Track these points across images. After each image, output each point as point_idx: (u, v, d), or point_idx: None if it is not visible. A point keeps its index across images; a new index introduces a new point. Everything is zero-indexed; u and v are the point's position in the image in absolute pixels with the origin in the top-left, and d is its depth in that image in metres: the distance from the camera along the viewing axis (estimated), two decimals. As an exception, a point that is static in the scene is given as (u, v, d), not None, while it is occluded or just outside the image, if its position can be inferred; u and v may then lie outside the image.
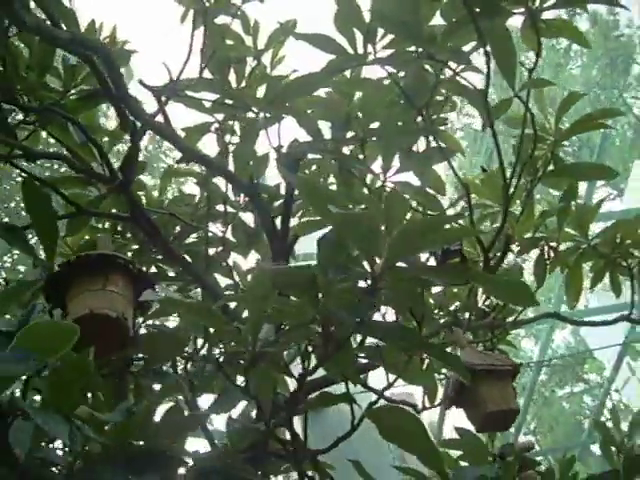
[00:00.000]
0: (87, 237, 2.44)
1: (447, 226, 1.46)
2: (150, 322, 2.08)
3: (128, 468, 1.08)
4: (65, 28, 1.80)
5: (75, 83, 2.06)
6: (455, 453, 2.16)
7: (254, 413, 2.15)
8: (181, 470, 1.46)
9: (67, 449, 1.17)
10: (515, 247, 2.59)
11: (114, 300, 1.58)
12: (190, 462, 1.39)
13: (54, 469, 1.10)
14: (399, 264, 1.40)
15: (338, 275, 1.36)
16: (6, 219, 7.08)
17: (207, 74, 2.19)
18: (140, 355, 2.00)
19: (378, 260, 1.40)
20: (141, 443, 1.18)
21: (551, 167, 2.46)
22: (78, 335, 0.92)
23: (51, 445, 1.13)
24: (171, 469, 1.25)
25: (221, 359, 1.63)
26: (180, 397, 1.99)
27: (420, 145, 2.40)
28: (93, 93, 2.04)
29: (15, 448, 0.92)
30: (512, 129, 2.47)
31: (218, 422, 1.91)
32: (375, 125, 2.32)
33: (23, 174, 2.11)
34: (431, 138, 2.33)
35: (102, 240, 1.86)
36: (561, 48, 13.60)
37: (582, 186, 6.49)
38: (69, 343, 0.92)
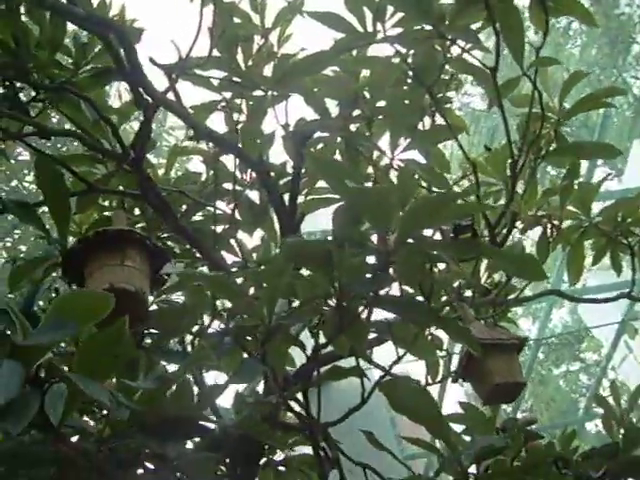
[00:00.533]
0: (95, 215, 2.47)
1: (457, 202, 1.49)
2: (159, 299, 2.12)
3: (155, 435, 1.12)
4: (78, 6, 1.81)
5: (86, 61, 2.08)
6: (458, 429, 2.20)
7: (260, 388, 2.20)
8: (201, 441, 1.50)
9: (90, 417, 1.20)
10: (519, 224, 2.62)
11: (132, 275, 1.61)
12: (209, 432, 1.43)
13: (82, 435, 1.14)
14: (410, 239, 1.43)
15: (352, 249, 1.39)
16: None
17: (215, 52, 2.20)
18: (151, 331, 2.03)
19: (391, 235, 1.43)
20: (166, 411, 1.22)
21: (554, 146, 2.49)
22: (112, 304, 0.95)
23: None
24: (193, 437, 1.28)
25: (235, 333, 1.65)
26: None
27: (425, 123, 2.43)
28: (104, 71, 2.05)
29: (49, 414, 0.95)
30: (515, 108, 2.49)
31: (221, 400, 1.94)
32: (382, 103, 2.34)
33: (28, 153, 2.13)
34: (436, 116, 2.35)
35: (117, 216, 1.89)
36: (560, 27, 13.55)
37: (583, 165, 6.52)
38: (103, 312, 0.95)
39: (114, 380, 1.32)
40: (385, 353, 1.94)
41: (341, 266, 1.38)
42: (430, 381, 2.80)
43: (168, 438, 1.16)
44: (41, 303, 3.34)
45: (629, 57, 13.06)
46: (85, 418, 1.56)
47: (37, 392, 0.93)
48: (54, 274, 2.24)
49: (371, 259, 1.50)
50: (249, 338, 1.66)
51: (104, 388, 0.95)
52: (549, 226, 2.76)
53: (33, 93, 2.08)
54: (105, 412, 1.08)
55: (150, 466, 1.19)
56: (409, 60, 2.04)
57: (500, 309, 2.75)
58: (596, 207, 2.84)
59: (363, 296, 1.42)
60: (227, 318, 1.69)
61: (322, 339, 1.63)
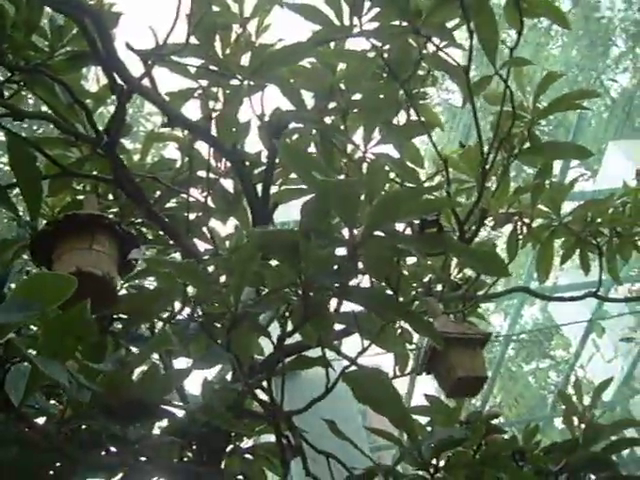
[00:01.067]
0: (68, 199, 2.46)
1: (425, 197, 1.51)
2: (128, 284, 2.12)
3: (117, 417, 1.13)
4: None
5: (62, 44, 2.06)
6: (424, 420, 2.24)
7: (228, 377, 2.21)
8: (161, 424, 1.51)
9: (57, 400, 1.21)
10: (489, 222, 2.65)
11: (100, 259, 1.61)
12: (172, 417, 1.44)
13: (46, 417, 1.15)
14: (377, 232, 1.45)
15: (319, 241, 1.41)
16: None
17: (193, 40, 2.20)
18: (120, 316, 2.03)
19: (357, 228, 1.45)
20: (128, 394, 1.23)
21: (527, 145, 2.52)
22: (75, 286, 0.96)
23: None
24: (156, 421, 1.29)
25: (201, 320, 1.67)
26: (156, 359, 2.04)
27: (401, 118, 2.45)
28: (80, 55, 2.05)
29: (10, 395, 0.96)
30: (491, 106, 2.52)
31: (191, 387, 1.96)
32: (357, 97, 2.36)
33: (5, 133, 2.12)
34: (412, 112, 2.37)
35: (88, 200, 1.89)
36: (542, 27, 13.63)
37: (556, 165, 6.58)
38: (67, 293, 0.95)
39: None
40: (357, 345, 1.96)
41: (307, 257, 1.40)
42: (398, 373, 2.84)
43: (130, 421, 1.17)
44: (13, 285, 3.33)
45: (608, 60, 13.19)
46: (52, 401, 1.57)
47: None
48: (25, 256, 2.24)
49: (340, 251, 1.52)
50: (218, 325, 1.67)
51: (64, 369, 0.96)
52: (519, 224, 2.80)
53: (8, 74, 2.07)
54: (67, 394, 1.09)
55: (112, 449, 1.20)
56: (385, 55, 2.06)
57: (470, 304, 2.79)
58: (569, 207, 2.89)
59: (329, 287, 1.44)
60: (194, 305, 1.70)
61: (290, 328, 1.65)
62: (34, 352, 1.04)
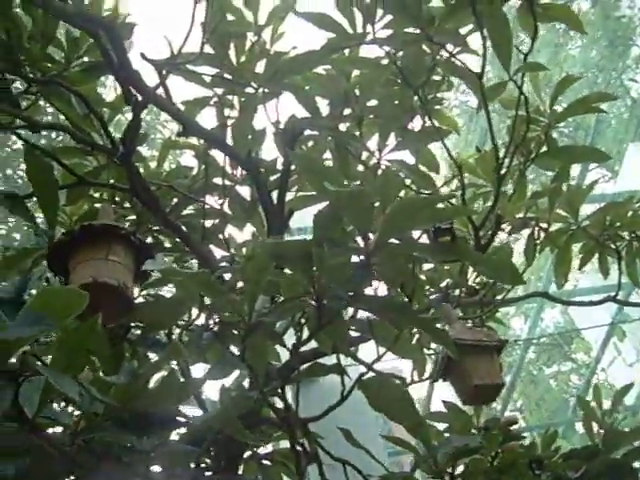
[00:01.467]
0: (85, 207, 2.49)
1: (439, 205, 1.51)
2: (146, 292, 2.14)
3: (130, 429, 1.14)
4: (70, 2, 1.82)
5: (78, 55, 2.09)
6: (442, 426, 2.23)
7: (246, 383, 2.22)
8: (176, 434, 1.52)
9: (71, 410, 1.22)
10: (506, 227, 2.64)
11: (116, 269, 1.63)
12: (189, 425, 1.45)
13: (61, 428, 1.16)
14: (392, 240, 1.45)
15: (333, 250, 1.41)
16: (2, 187, 7.09)
17: (208, 49, 2.21)
18: (137, 323, 2.05)
19: (372, 236, 1.45)
20: (141, 405, 1.23)
21: (544, 149, 2.51)
22: (87, 301, 0.97)
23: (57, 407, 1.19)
24: (170, 430, 1.30)
25: (216, 328, 1.68)
26: (174, 365, 2.05)
27: (416, 124, 2.45)
28: (95, 65, 2.07)
29: (25, 406, 0.97)
30: (508, 110, 2.51)
31: (210, 392, 1.97)
32: (372, 103, 2.36)
33: (23, 143, 2.14)
34: (427, 117, 2.37)
35: (104, 210, 1.90)
36: (560, 28, 13.55)
37: (576, 167, 6.54)
38: (79, 308, 0.96)
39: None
40: (376, 349, 1.95)
41: (321, 266, 1.41)
42: (416, 379, 2.83)
43: (144, 432, 1.18)
44: (33, 292, 3.36)
45: (628, 60, 13.06)
46: (71, 409, 1.59)
47: (11, 385, 0.95)
48: (44, 264, 2.26)
49: (355, 259, 1.52)
50: (235, 332, 1.68)
51: (75, 383, 0.97)
52: (537, 228, 2.78)
53: (25, 86, 2.09)
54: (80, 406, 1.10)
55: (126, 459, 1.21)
56: (398, 62, 2.06)
57: (488, 309, 2.77)
58: (590, 209, 2.87)
59: (342, 296, 1.44)
60: (209, 314, 1.71)
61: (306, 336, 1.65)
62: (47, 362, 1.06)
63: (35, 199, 2.00)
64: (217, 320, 1.72)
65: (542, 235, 2.77)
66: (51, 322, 0.92)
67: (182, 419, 1.44)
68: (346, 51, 2.29)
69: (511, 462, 1.73)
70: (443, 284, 2.82)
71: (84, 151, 2.32)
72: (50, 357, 1.04)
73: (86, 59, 2.12)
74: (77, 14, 1.66)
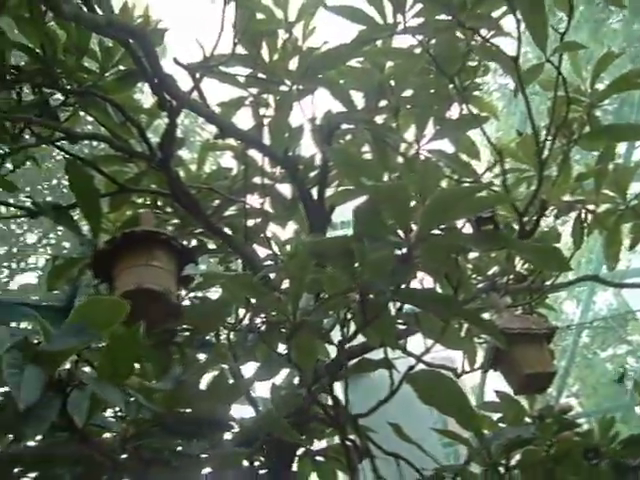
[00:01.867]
0: (129, 213, 2.52)
1: (480, 194, 1.48)
2: (193, 294, 2.16)
3: (178, 433, 1.15)
4: (99, 11, 1.84)
5: (112, 64, 2.11)
6: (496, 416, 2.20)
7: (296, 380, 2.22)
8: (228, 434, 1.53)
9: (120, 417, 1.24)
10: (551, 211, 2.59)
11: (158, 275, 1.64)
12: (236, 427, 1.46)
13: (110, 435, 1.17)
14: (433, 232, 1.43)
15: (374, 244, 1.40)
16: (49, 197, 7.23)
17: (239, 49, 2.21)
18: (184, 326, 2.07)
19: (413, 228, 1.43)
20: (189, 410, 1.25)
21: (588, 129, 2.45)
22: (128, 310, 0.98)
23: (106, 414, 1.21)
24: (219, 434, 1.31)
25: (263, 328, 1.68)
26: (224, 366, 2.06)
27: (454, 112, 2.42)
28: (130, 73, 2.09)
29: (74, 415, 0.99)
30: (548, 91, 2.46)
31: (261, 390, 1.98)
32: (408, 93, 2.34)
33: (65, 154, 2.18)
34: (464, 104, 2.33)
35: (145, 216, 1.92)
36: (600, 2, 13.23)
37: (622, 145, 6.39)
38: (120, 317, 0.97)
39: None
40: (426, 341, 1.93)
41: (362, 261, 1.40)
42: (467, 369, 2.79)
43: (193, 435, 1.19)
44: (82, 299, 3.43)
45: (672, 31, 12.70)
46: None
47: (58, 396, 0.97)
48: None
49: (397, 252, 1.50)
50: (281, 331, 1.68)
51: (120, 392, 0.98)
52: (584, 211, 2.72)
53: (63, 98, 2.13)
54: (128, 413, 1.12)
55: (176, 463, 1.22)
56: (432, 50, 2.03)
57: (537, 296, 2.72)
58: (638, 188, 2.79)
59: (385, 290, 1.43)
60: (254, 314, 1.72)
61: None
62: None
63: (79, 209, 2.03)
64: (263, 320, 1.72)
65: (590, 217, 2.71)
66: (94, 332, 0.93)
67: (233, 420, 1.44)
68: (378, 42, 2.26)
69: (566, 452, 1.70)
70: (490, 272, 2.78)
71: (124, 159, 2.34)
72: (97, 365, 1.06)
73: (120, 67, 2.14)
74: (108, 24, 1.68)
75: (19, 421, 0.87)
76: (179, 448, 1.19)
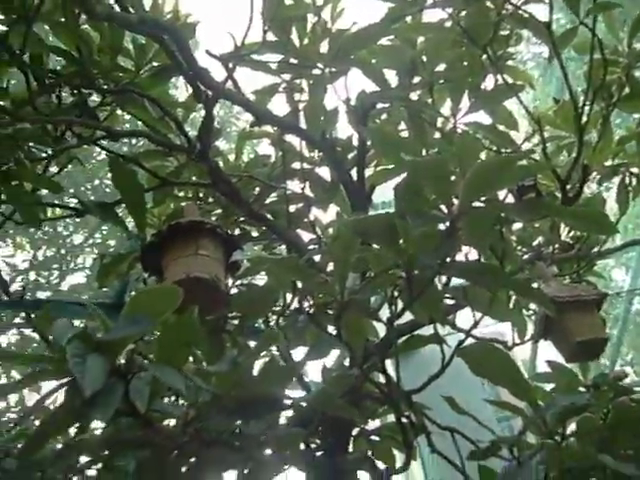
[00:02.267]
0: (172, 206, 2.56)
1: (520, 163, 1.47)
2: (240, 282, 2.19)
3: (237, 415, 1.18)
4: (131, 9, 1.87)
5: (146, 61, 2.14)
6: (549, 387, 2.18)
7: (347, 361, 2.24)
8: (283, 417, 1.55)
9: (179, 402, 1.27)
10: (594, 177, 2.56)
11: (206, 263, 1.67)
12: (291, 409, 1.48)
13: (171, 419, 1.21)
14: (475, 204, 1.43)
15: (417, 220, 1.40)
16: (92, 197, 7.38)
17: (269, 36, 2.23)
18: (234, 314, 2.10)
19: (455, 201, 1.43)
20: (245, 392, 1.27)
21: (627, 91, 2.41)
22: (181, 297, 1.00)
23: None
24: (275, 414, 1.33)
25: (311, 311, 1.70)
26: (274, 350, 2.09)
27: (489, 83, 2.40)
28: (164, 69, 2.12)
29: (136, 402, 1.02)
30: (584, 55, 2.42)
31: (312, 375, 2.00)
32: (441, 68, 2.32)
33: (106, 153, 2.23)
34: (499, 75, 2.31)
35: (189, 208, 1.95)
36: (633, -39, 12.88)
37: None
38: (173, 305, 1.00)
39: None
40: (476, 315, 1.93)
41: (406, 238, 1.40)
42: (518, 341, 2.78)
43: (250, 417, 1.21)
44: (133, 294, 3.50)
45: None
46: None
47: (121, 382, 1.00)
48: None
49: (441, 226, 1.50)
50: (330, 312, 1.70)
51: (179, 375, 1.01)
52: (627, 175, 2.68)
53: (101, 98, 2.17)
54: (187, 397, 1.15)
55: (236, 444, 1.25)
56: (462, 22, 2.01)
57: (584, 263, 2.70)
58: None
59: (430, 265, 1.43)
60: (302, 297, 1.73)
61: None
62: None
63: (124, 205, 2.08)
64: (311, 302, 1.74)
65: (634, 181, 2.67)
66: (149, 321, 0.96)
67: (287, 402, 1.47)
68: (408, 19, 2.25)
69: (623, 418, 1.68)
70: (535, 243, 2.75)
71: (164, 153, 2.38)
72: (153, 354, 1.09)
73: (154, 64, 2.17)
74: (141, 22, 1.70)
75: (85, 408, 0.91)
76: (238, 430, 1.22)
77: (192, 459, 1.19)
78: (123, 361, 1.03)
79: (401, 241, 1.44)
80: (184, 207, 2.03)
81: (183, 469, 1.19)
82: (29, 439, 1.09)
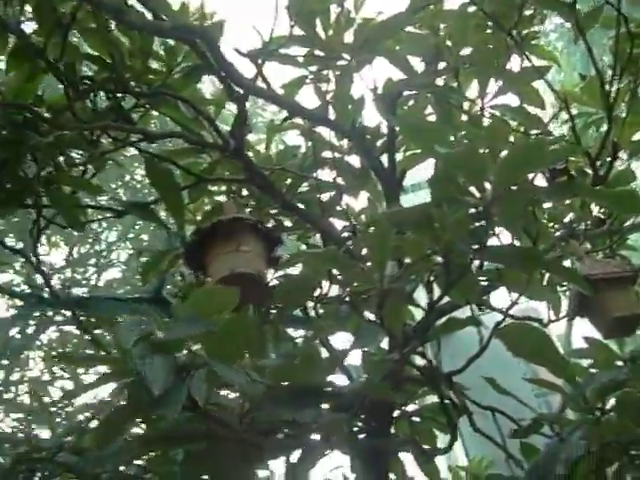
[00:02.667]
0: (206, 201, 2.62)
1: (552, 147, 1.50)
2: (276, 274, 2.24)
3: (290, 405, 1.23)
4: (160, 14, 1.92)
5: (177, 62, 2.19)
6: (586, 362, 2.20)
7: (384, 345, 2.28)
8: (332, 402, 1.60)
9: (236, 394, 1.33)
10: (624, 153, 2.56)
11: (249, 259, 1.72)
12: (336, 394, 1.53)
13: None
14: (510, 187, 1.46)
15: (452, 207, 1.44)
16: (123, 192, 7.49)
17: (296, 30, 2.26)
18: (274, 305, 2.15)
19: (487, 186, 1.46)
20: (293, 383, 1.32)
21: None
22: (238, 298, 1.06)
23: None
24: (324, 401, 1.38)
25: (348, 299, 1.74)
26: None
27: (514, 64, 2.41)
28: (195, 69, 2.16)
29: (195, 396, 1.07)
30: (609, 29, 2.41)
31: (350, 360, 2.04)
32: (466, 52, 2.34)
33: (141, 154, 2.28)
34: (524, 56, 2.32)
35: (228, 204, 2.00)
36: None
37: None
38: (232, 304, 1.06)
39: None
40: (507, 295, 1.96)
41: (443, 225, 1.44)
42: (553, 318, 2.80)
43: (300, 405, 1.27)
44: (169, 287, 3.58)
45: None
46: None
47: (184, 380, 1.06)
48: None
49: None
50: (368, 299, 1.74)
51: (237, 370, 1.06)
52: (658, 148, 2.67)
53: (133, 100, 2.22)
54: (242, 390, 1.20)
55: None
56: (485, 5, 2.03)
57: (617, 238, 2.70)
58: None
59: (467, 250, 1.47)
60: (341, 286, 1.78)
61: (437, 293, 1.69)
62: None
63: (163, 204, 2.14)
64: (348, 290, 1.78)
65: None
66: (208, 321, 1.02)
67: (334, 388, 1.52)
68: (431, 6, 2.27)
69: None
70: (566, 220, 2.76)
71: (196, 150, 2.43)
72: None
73: (185, 64, 2.22)
74: (173, 29, 1.75)
75: (153, 406, 0.97)
76: (290, 419, 1.27)
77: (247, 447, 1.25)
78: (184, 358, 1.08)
79: (437, 228, 1.48)
80: (223, 204, 2.09)
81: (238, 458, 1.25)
82: (96, 434, 1.16)
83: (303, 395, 1.30)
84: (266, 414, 1.22)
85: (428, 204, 1.42)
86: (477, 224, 1.52)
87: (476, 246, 1.51)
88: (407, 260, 1.65)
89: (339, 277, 1.96)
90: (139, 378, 0.97)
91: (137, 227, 7.94)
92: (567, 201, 2.68)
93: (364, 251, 1.79)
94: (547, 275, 2.53)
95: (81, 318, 2.65)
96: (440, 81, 2.45)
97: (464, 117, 2.51)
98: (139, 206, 2.14)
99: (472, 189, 1.50)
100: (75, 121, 1.94)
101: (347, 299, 1.79)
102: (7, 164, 2.05)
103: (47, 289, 2.44)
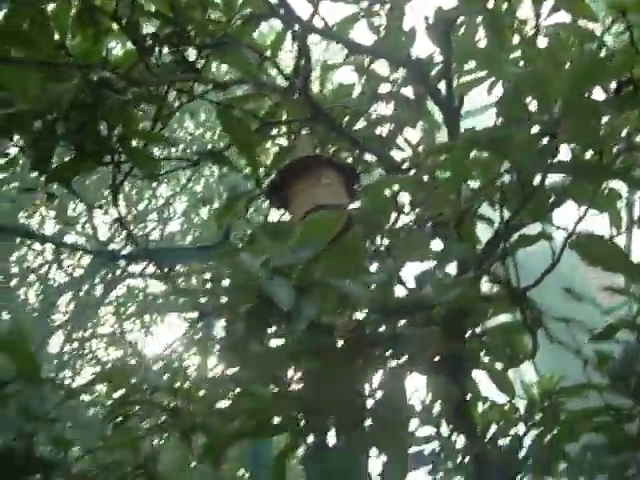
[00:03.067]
0: (268, 145, 2.71)
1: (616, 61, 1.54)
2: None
3: (389, 318, 1.33)
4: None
5: (235, 11, 2.25)
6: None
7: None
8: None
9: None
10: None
11: (330, 192, 1.82)
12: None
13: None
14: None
15: (521, 127, 1.50)
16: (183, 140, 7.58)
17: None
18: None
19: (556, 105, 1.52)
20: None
21: None
22: (342, 222, 1.16)
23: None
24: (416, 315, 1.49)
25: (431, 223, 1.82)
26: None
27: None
28: (254, 15, 2.23)
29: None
30: None
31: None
32: (517, -28, 2.35)
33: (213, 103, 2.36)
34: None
35: (303, 142, 2.09)
36: None
37: None
38: (337, 228, 1.16)
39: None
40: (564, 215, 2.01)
41: (511, 144, 1.51)
42: (614, 233, 2.83)
43: (398, 319, 1.37)
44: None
45: None
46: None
47: (301, 297, 1.16)
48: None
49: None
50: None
51: (356, 285, 1.17)
52: None
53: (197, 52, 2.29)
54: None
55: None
56: None
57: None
58: None
59: (536, 167, 1.54)
60: (412, 210, 1.85)
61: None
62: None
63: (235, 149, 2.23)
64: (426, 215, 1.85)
65: None
66: (319, 245, 1.12)
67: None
68: None
69: None
70: (624, 133, 2.77)
71: (259, 95, 2.50)
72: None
73: (243, 12, 2.28)
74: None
75: (286, 320, 1.08)
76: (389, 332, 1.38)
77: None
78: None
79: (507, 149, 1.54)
80: (298, 141, 2.16)
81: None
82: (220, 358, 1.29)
83: (399, 310, 1.40)
84: (374, 327, 1.33)
85: (500, 127, 1.49)
86: (546, 141, 1.58)
87: (546, 163, 1.57)
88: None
89: (406, 207, 2.04)
90: (266, 298, 1.08)
91: (193, 181, 8.07)
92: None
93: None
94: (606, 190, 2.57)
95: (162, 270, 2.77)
96: (491, 4, 2.46)
97: (516, 39, 2.52)
98: (213, 154, 2.23)
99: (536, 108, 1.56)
100: (149, 76, 2.03)
101: (420, 226, 1.87)
102: (86, 125, 2.15)
103: (129, 242, 2.57)
